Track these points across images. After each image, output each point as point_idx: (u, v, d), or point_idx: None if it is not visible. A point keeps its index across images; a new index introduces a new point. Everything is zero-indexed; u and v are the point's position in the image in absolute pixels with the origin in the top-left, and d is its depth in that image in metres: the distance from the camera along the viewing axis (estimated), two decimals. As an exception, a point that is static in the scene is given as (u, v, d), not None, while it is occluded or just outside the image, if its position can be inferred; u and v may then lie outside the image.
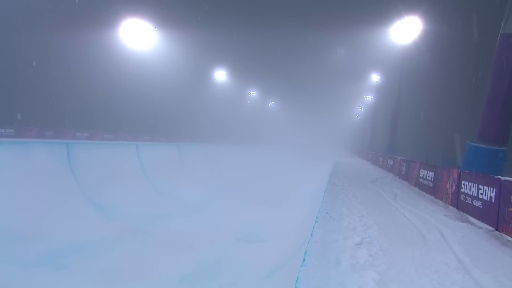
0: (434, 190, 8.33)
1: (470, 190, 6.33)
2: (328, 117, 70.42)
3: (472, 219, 5.99)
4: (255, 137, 51.28)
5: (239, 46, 39.87)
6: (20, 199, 7.93)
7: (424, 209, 6.54)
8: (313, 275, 2.67)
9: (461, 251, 4.07)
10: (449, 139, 15.73)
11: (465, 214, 6.33)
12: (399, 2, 19.76)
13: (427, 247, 4.05)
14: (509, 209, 5.02)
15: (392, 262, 3.34)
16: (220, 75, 44.18)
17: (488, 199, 5.62)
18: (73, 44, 24.87)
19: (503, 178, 5.31)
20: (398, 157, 13.71)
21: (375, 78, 33.65)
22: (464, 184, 6.63)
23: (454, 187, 7.09)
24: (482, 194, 5.86)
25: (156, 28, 28.46)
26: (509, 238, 4.88)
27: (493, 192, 5.52)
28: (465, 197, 6.51)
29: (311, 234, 3.78)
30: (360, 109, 52.56)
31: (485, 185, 5.78)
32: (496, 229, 5.25)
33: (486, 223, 5.55)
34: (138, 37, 27.46)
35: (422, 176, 9.50)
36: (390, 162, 14.92)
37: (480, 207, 5.86)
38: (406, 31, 19.54)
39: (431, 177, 8.63)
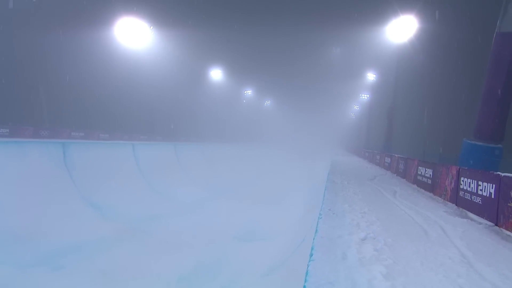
0: (432, 187, 8.39)
1: (469, 187, 6.38)
2: (324, 116, 70.65)
3: (471, 215, 6.05)
4: (251, 136, 51.20)
5: (235, 44, 39.79)
6: (16, 200, 7.82)
7: (424, 206, 6.60)
8: (322, 269, 2.68)
9: (464, 245, 4.11)
10: (445, 136, 15.89)
11: (464, 210, 6.38)
12: (395, 1, 19.88)
13: (430, 242, 4.08)
14: (508, 204, 5.08)
15: (397, 256, 3.36)
16: (216, 74, 44.06)
17: (488, 195, 5.68)
18: (68, 43, 24.60)
19: (503, 174, 5.36)
20: (396, 155, 13.80)
21: (370, 76, 33.83)
22: (463, 181, 6.69)
23: (453, 184, 7.15)
24: (481, 190, 5.92)
25: (152, 27, 28.27)
26: (508, 232, 4.93)
27: (492, 188, 5.58)
28: (464, 193, 6.57)
29: (316, 230, 3.79)
30: (356, 108, 52.83)
31: (485, 181, 5.84)
32: (496, 224, 5.30)
33: (486, 219, 5.60)
34: (134, 36, 27.24)
35: (420, 173, 9.57)
36: (388, 160, 15.02)
37: (480, 203, 5.92)
38: (402, 29, 19.64)
39: (430, 174, 8.69)
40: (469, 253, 3.83)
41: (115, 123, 31.06)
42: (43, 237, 7.36)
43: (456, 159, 10.98)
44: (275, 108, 70.04)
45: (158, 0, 29.37)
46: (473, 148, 10.24)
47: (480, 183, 6.00)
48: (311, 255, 2.92)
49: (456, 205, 6.84)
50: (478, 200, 5.99)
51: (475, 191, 6.14)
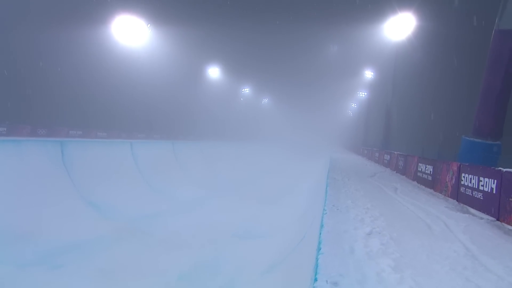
0: (433, 184, 8.43)
1: (470, 182, 6.42)
2: (321, 114, 70.76)
3: (472, 210, 6.08)
4: (249, 135, 51.15)
5: (233, 42, 39.63)
6: (14, 198, 7.75)
7: (425, 202, 6.63)
8: (332, 262, 2.68)
9: (467, 239, 4.14)
10: (444, 134, 15.96)
11: (465, 205, 6.42)
12: (393, -1, 19.90)
13: (434, 236, 4.10)
14: (510, 199, 5.12)
15: (403, 250, 3.38)
16: (214, 72, 43.94)
17: (489, 191, 5.71)
18: (65, 41, 24.37)
19: (504, 170, 5.40)
20: (396, 152, 13.85)
21: (368, 74, 33.90)
22: (464, 177, 6.72)
23: (454, 180, 7.19)
24: (483, 186, 5.95)
25: (149, 25, 28.11)
26: (510, 227, 4.97)
27: (494, 183, 5.61)
28: (465, 189, 6.60)
29: (322, 225, 3.79)
30: (354, 105, 52.97)
31: (486, 177, 5.88)
32: (497, 219, 5.34)
33: (487, 214, 5.64)
34: (131, 34, 27.07)
35: (420, 170, 9.62)
36: (387, 157, 15.07)
37: (481, 198, 5.96)
38: (400, 27, 19.69)
39: (430, 171, 8.73)
40: (473, 246, 3.86)
41: (112, 122, 30.89)
42: (41, 236, 7.30)
43: (455, 156, 11.03)
44: (273, 106, 70.03)
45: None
46: (472, 145, 10.29)
47: (481, 179, 6.03)
48: (319, 248, 2.93)
49: (457, 200, 6.88)
50: (479, 195, 6.03)
51: (476, 187, 6.17)
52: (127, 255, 6.98)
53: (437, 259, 3.25)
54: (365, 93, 38.27)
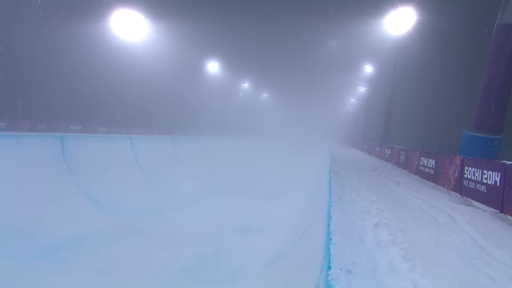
0: (435, 177, 8.45)
1: (473, 176, 6.43)
2: (321, 108, 70.64)
3: (476, 203, 6.11)
4: (248, 129, 51.08)
5: (232, 37, 39.40)
6: (15, 193, 7.74)
7: (428, 195, 6.65)
8: (344, 251, 2.70)
9: (473, 230, 4.16)
10: (444, 128, 15.99)
11: (468, 198, 6.44)
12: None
13: (440, 227, 4.12)
14: (514, 191, 5.14)
15: (412, 240, 3.41)
16: (213, 67, 43.71)
17: (493, 183, 5.73)
18: (64, 35, 24.15)
19: (508, 163, 5.42)
20: (397, 147, 13.85)
21: (368, 69, 33.78)
22: (467, 170, 6.73)
23: (457, 173, 7.21)
24: (486, 178, 5.96)
25: (148, 19, 27.87)
26: (514, 219, 5.00)
27: (497, 176, 5.62)
28: (468, 182, 6.62)
29: (330, 216, 3.81)
30: (353, 100, 52.90)
31: (490, 170, 5.89)
32: (501, 211, 5.37)
33: (491, 206, 5.66)
34: (130, 28, 26.84)
35: (422, 164, 9.63)
36: (388, 151, 15.09)
37: (484, 191, 5.98)
38: (400, 21, 19.57)
39: (432, 165, 8.75)
40: (479, 237, 3.89)
41: (112, 117, 30.78)
42: (42, 230, 7.30)
43: (455, 150, 11.05)
44: (272, 101, 69.80)
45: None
46: (473, 139, 10.29)
47: (485, 171, 6.04)
48: (329, 239, 2.94)
49: (460, 194, 6.90)
50: (482, 188, 6.05)
51: (479, 180, 6.19)
52: (127, 250, 6.98)
53: (445, 249, 3.27)
54: (365, 88, 38.19)
